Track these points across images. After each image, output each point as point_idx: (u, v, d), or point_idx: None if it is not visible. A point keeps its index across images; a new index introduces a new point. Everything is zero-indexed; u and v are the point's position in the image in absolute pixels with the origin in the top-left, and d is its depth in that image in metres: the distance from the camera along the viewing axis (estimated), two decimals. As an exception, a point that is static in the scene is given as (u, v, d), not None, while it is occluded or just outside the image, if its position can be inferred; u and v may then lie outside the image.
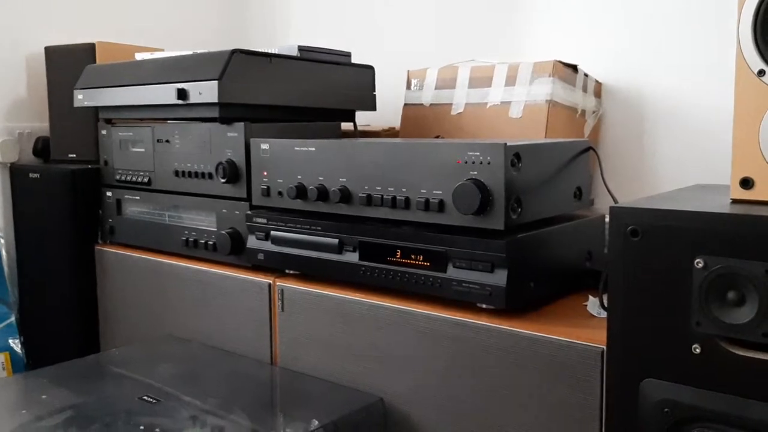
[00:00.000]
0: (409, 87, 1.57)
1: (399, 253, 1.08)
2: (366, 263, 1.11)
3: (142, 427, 1.00)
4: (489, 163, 0.97)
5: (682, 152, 1.44)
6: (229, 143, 1.30)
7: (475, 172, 0.98)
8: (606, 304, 0.84)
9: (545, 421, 0.94)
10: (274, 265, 1.25)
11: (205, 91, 1.25)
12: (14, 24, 1.76)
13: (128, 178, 1.51)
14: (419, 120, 1.53)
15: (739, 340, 0.75)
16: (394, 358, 1.09)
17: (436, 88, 1.52)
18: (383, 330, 1.09)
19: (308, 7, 2.07)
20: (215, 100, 1.24)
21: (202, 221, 1.38)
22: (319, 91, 1.41)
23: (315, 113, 1.44)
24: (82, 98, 1.52)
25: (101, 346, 1.60)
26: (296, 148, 1.20)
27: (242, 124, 1.28)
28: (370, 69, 1.52)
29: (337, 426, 1.03)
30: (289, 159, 1.21)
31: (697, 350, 0.77)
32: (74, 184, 1.58)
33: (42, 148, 1.76)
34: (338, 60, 1.48)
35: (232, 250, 1.30)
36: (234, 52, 1.26)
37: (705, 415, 0.77)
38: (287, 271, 1.24)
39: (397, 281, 1.08)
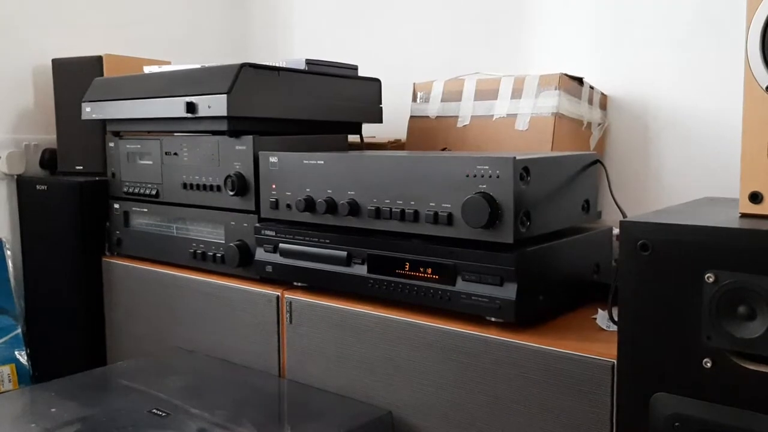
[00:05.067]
0: (414, 99, 1.58)
1: (407, 266, 1.08)
2: (374, 276, 1.12)
3: (151, 441, 1.00)
4: (498, 177, 0.97)
5: (687, 164, 1.44)
6: (237, 156, 1.31)
7: (484, 186, 0.98)
8: (616, 318, 0.85)
9: (555, 434, 0.94)
10: (283, 278, 1.25)
11: (214, 105, 1.26)
12: (21, 36, 1.77)
13: (136, 190, 1.52)
14: (425, 132, 1.54)
15: (750, 355, 0.75)
16: (402, 371, 1.09)
17: (442, 101, 1.53)
18: (392, 343, 1.10)
19: (313, 19, 2.08)
20: (224, 113, 1.25)
21: (210, 233, 1.39)
22: (326, 104, 1.42)
23: (322, 126, 1.44)
24: (90, 111, 1.52)
25: (108, 359, 1.60)
26: (305, 161, 1.20)
27: (251, 137, 1.28)
28: (376, 82, 1.53)
29: (347, 439, 1.03)
30: (297, 172, 1.21)
31: (708, 364, 0.78)
32: (81, 196, 1.59)
33: (49, 160, 1.76)
34: (345, 73, 1.48)
35: (241, 262, 1.31)
36: (243, 65, 1.26)
37: (716, 429, 0.77)
38: (295, 283, 1.24)
39: (406, 294, 1.08)
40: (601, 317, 1.03)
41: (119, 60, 1.67)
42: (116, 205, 1.58)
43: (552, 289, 1.05)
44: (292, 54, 2.11)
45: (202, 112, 1.28)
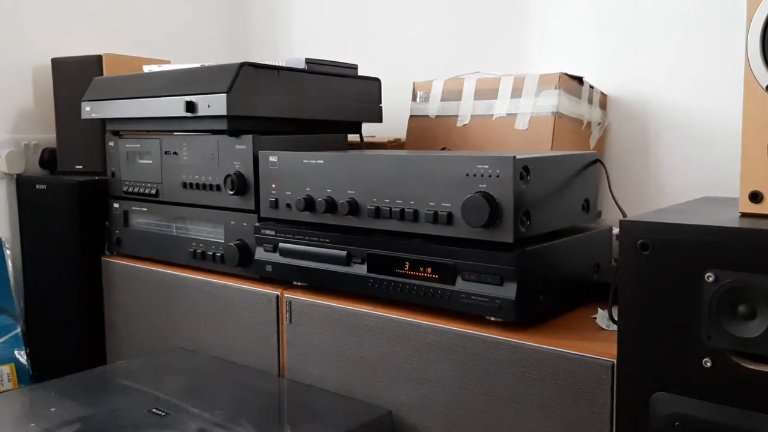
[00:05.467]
0: (414, 99, 1.57)
1: (407, 266, 1.08)
2: (374, 275, 1.12)
3: (151, 440, 1.00)
4: (498, 176, 0.97)
5: (687, 164, 1.44)
6: (237, 155, 1.31)
7: (484, 185, 0.98)
8: (616, 317, 0.85)
9: (555, 434, 0.94)
10: (282, 277, 1.25)
11: (214, 104, 1.26)
12: (21, 36, 1.77)
13: (135, 189, 1.52)
14: (425, 132, 1.54)
15: (750, 354, 0.75)
16: (402, 371, 1.09)
17: (441, 100, 1.52)
18: (392, 342, 1.10)
19: (313, 19, 2.08)
20: (224, 112, 1.24)
21: (210, 233, 1.38)
22: (326, 104, 1.42)
23: (322, 125, 1.44)
24: (89, 110, 1.52)
25: (107, 359, 1.60)
26: (305, 161, 1.20)
27: (250, 136, 1.28)
28: (376, 81, 1.53)
29: (346, 439, 1.03)
30: (297, 171, 1.21)
31: (708, 364, 0.77)
32: (81, 195, 1.59)
33: (48, 159, 1.76)
34: (345, 72, 1.48)
35: (240, 261, 1.31)
36: (243, 65, 1.26)
37: (716, 429, 0.77)
38: (295, 283, 1.24)
39: (406, 294, 1.08)
40: (601, 317, 1.03)
41: (119, 59, 1.67)
42: (116, 205, 1.58)
43: (552, 288, 1.05)
44: (292, 53, 2.11)
45: (201, 111, 1.28)
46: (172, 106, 1.33)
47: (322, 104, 1.41)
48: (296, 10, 2.12)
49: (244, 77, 1.27)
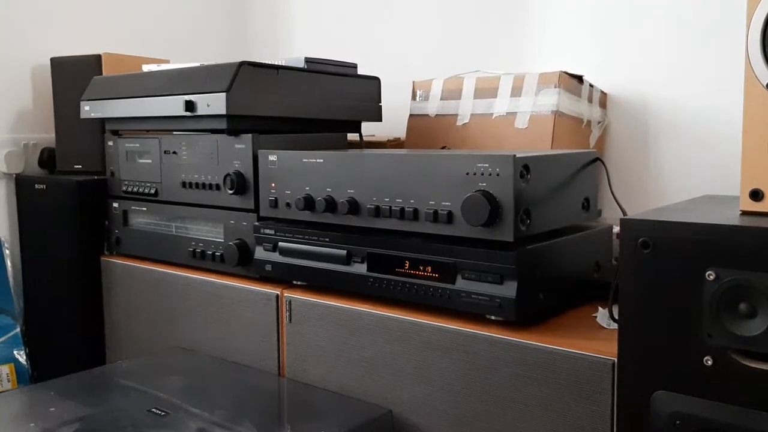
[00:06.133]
0: (414, 98, 1.57)
1: (407, 265, 1.08)
2: (374, 275, 1.12)
3: (151, 440, 1.00)
4: (498, 175, 0.97)
5: (686, 162, 1.44)
6: (236, 155, 1.30)
7: (484, 184, 0.98)
8: (616, 316, 0.85)
9: (556, 433, 0.94)
10: (282, 277, 1.25)
11: (213, 103, 1.25)
12: (20, 35, 1.76)
13: (135, 189, 1.51)
14: (425, 131, 1.54)
15: (751, 352, 0.75)
16: (402, 370, 1.09)
17: (441, 99, 1.52)
18: (392, 341, 1.09)
19: (312, 18, 2.08)
20: (223, 111, 1.24)
21: (210, 232, 1.38)
22: (325, 103, 1.42)
23: (321, 124, 1.44)
24: (88, 110, 1.52)
25: (107, 358, 1.60)
26: (304, 160, 1.20)
27: (250, 135, 1.28)
28: (375, 80, 1.52)
29: (347, 438, 1.03)
30: (297, 170, 1.21)
31: (709, 362, 0.77)
32: (80, 195, 1.58)
33: (47, 159, 1.76)
34: (344, 71, 1.48)
35: (240, 261, 1.30)
36: (242, 64, 1.26)
37: (717, 427, 0.77)
38: (295, 282, 1.24)
39: (406, 293, 1.08)
40: (602, 315, 1.03)
41: (118, 58, 1.67)
42: (115, 204, 1.58)
43: (552, 287, 1.05)
44: (291, 52, 2.11)
45: (201, 110, 1.28)
46: (172, 106, 1.33)
47: (322, 103, 1.41)
48: (296, 10, 2.12)
49: (244, 76, 1.26)
